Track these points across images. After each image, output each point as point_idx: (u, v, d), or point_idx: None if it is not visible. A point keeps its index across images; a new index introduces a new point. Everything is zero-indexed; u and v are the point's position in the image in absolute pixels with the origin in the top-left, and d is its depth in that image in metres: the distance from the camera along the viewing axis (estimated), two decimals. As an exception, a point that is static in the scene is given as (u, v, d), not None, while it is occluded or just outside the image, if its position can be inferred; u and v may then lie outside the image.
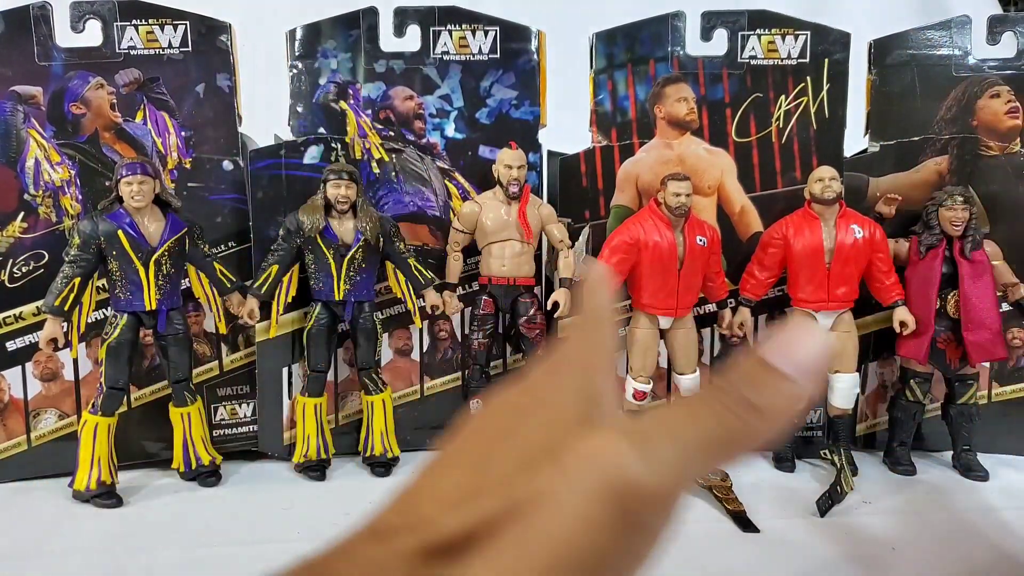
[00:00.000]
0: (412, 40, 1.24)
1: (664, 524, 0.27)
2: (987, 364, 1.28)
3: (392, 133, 1.25)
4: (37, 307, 1.15)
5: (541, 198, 1.27)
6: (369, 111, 1.24)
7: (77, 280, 1.08)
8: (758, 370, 0.28)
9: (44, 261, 1.17)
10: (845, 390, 1.22)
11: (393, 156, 1.25)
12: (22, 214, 1.17)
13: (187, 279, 1.18)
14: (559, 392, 0.31)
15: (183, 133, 1.20)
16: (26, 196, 1.17)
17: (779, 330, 0.29)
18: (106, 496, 1.08)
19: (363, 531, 0.28)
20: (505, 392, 0.33)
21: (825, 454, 1.20)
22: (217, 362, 1.26)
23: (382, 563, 0.26)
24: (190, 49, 1.19)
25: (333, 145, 1.23)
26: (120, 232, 1.07)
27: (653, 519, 0.27)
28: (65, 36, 1.16)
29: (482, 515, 0.26)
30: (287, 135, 1.24)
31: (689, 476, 0.27)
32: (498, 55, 1.25)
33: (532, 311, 1.23)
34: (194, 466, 1.16)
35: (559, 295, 1.21)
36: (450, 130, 1.26)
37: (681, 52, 1.26)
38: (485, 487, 0.27)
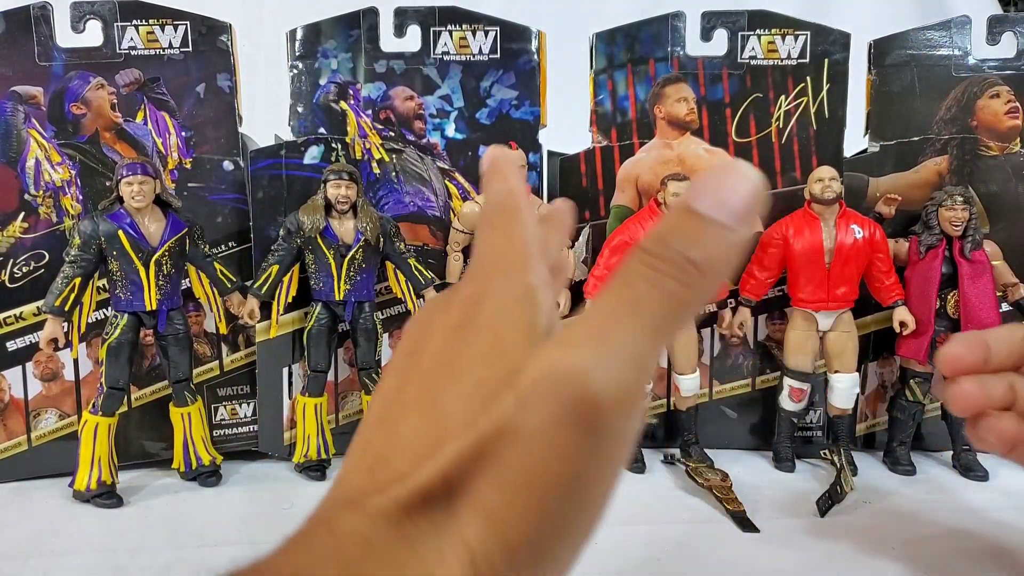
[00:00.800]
0: (412, 40, 1.24)
1: (634, 424, 0.26)
2: (987, 364, 1.28)
3: (392, 133, 1.25)
4: (37, 307, 1.15)
5: (541, 198, 1.28)
6: (369, 111, 1.24)
7: (77, 280, 1.08)
8: (689, 221, 0.26)
9: (45, 261, 1.18)
10: (845, 390, 1.22)
11: (393, 156, 1.25)
12: (23, 214, 1.17)
13: (187, 279, 1.18)
14: (493, 307, 0.28)
15: (183, 133, 1.21)
16: (27, 196, 1.17)
17: (705, 175, 0.27)
18: (106, 496, 1.08)
19: (338, 501, 0.27)
20: (431, 313, 0.31)
21: (825, 454, 1.20)
22: (217, 362, 1.26)
23: (366, 532, 0.25)
24: (190, 49, 1.19)
25: (333, 145, 1.23)
26: (120, 232, 1.07)
27: (622, 423, 0.25)
28: (66, 36, 1.16)
29: (453, 460, 0.25)
30: (287, 135, 1.24)
31: (649, 366, 0.26)
32: (498, 55, 1.25)
33: (532, 311, 1.23)
34: (194, 466, 1.16)
35: (559, 295, 1.22)
36: (450, 130, 1.26)
37: (681, 52, 1.26)
38: (449, 432, 0.26)
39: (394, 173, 1.26)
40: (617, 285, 0.27)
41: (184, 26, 1.19)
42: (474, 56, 1.25)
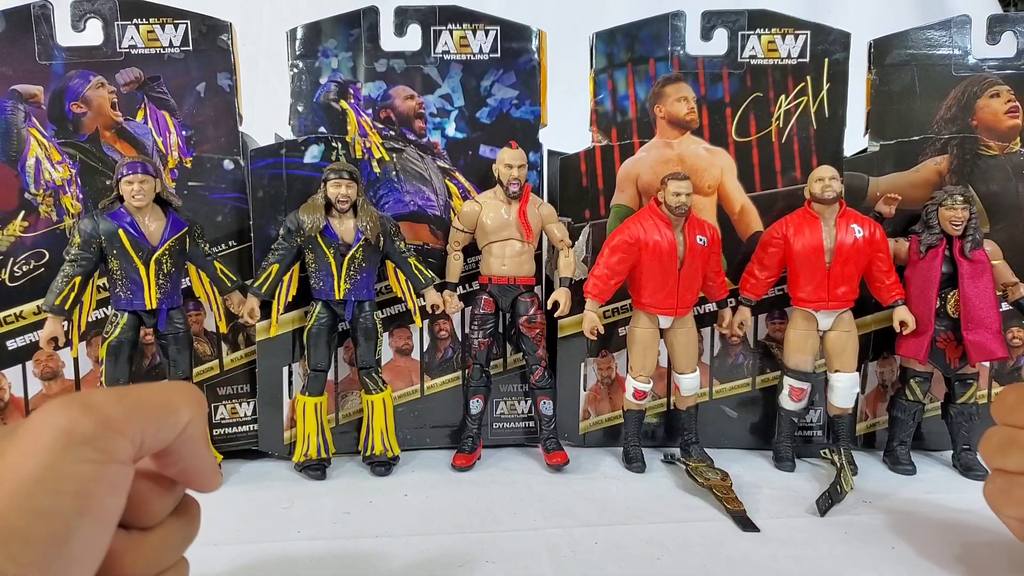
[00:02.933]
0: (413, 39, 1.24)
1: (109, 455, 0.37)
2: (987, 364, 1.28)
3: (393, 132, 1.25)
4: (37, 306, 1.15)
5: (541, 197, 1.28)
6: (370, 110, 1.24)
7: (77, 279, 1.08)
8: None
9: (45, 260, 1.18)
10: (845, 390, 1.22)
11: (394, 155, 1.25)
12: (23, 213, 1.17)
13: (187, 278, 1.18)
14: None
15: (184, 132, 1.21)
16: (27, 195, 1.17)
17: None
18: (106, 495, 1.08)
19: None
20: None
21: (825, 454, 1.20)
22: (217, 361, 1.26)
23: None
24: (191, 48, 1.19)
25: (334, 144, 1.23)
26: (121, 231, 1.07)
27: (103, 447, 0.37)
28: (66, 35, 1.16)
29: None
30: (288, 134, 1.24)
31: (127, 420, 0.39)
32: (499, 55, 1.25)
33: (532, 310, 1.23)
34: (194, 465, 1.16)
35: (559, 294, 1.22)
36: (451, 129, 1.26)
37: (681, 52, 1.26)
38: None
39: (394, 172, 1.26)
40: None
41: (184, 25, 1.19)
42: (474, 55, 1.25)
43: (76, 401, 0.38)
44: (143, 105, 1.19)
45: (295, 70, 1.23)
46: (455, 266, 1.25)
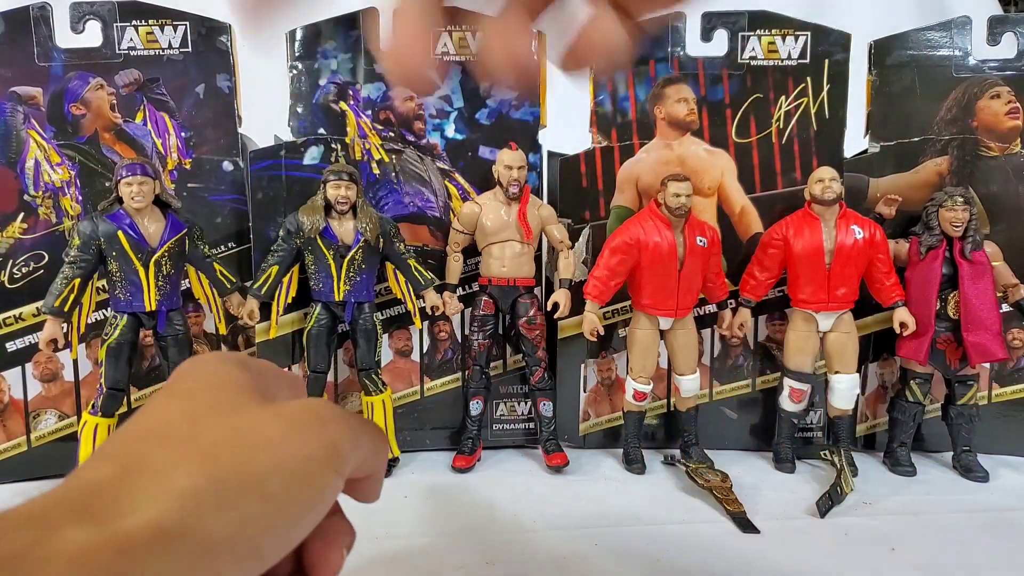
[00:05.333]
0: (412, 41, 1.23)
1: (344, 475, 0.39)
2: (987, 365, 1.28)
3: (392, 134, 1.25)
4: (37, 308, 1.15)
5: (541, 199, 1.27)
6: (369, 112, 1.24)
7: (77, 281, 1.08)
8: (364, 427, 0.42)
9: (44, 262, 1.17)
10: (845, 391, 1.22)
11: (393, 157, 1.25)
12: (22, 215, 1.17)
13: (187, 280, 1.18)
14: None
15: (183, 134, 1.20)
16: (26, 197, 1.17)
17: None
18: (106, 497, 1.08)
19: (67, 507, 0.31)
20: (218, 371, 0.41)
21: (825, 455, 1.20)
22: (217, 363, 1.25)
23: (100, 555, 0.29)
24: (190, 50, 1.19)
25: (333, 146, 1.23)
26: (120, 233, 1.07)
27: (345, 470, 0.39)
28: (65, 37, 1.16)
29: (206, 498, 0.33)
30: (287, 136, 1.24)
31: (358, 449, 0.40)
32: (498, 56, 1.24)
33: (532, 312, 1.23)
34: (194, 467, 1.16)
35: (559, 296, 1.21)
36: (450, 131, 1.26)
37: (681, 53, 1.26)
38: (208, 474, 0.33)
39: (394, 174, 1.26)
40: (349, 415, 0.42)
41: (183, 27, 1.18)
42: (474, 56, 1.25)
43: (343, 417, 0.40)
44: (142, 107, 1.19)
45: (294, 71, 1.23)
46: (455, 267, 1.25)
